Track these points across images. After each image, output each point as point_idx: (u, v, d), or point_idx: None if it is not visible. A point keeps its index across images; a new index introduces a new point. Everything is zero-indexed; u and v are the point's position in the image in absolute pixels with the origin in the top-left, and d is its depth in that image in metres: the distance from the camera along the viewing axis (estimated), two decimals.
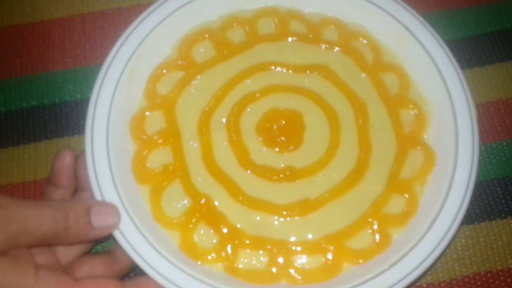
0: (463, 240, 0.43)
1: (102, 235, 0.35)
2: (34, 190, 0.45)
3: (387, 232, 0.38)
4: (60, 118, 0.48)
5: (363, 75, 0.43)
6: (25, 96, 0.49)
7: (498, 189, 0.45)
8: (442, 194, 0.38)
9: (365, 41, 0.44)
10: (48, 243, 0.34)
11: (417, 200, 0.39)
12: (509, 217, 0.44)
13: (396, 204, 0.39)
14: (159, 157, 0.40)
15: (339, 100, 0.42)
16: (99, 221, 0.34)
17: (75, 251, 0.37)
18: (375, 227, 0.38)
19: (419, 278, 0.36)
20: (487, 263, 0.42)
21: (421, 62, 0.42)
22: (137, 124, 0.40)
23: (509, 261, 0.43)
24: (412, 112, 0.41)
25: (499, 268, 0.42)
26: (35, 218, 0.31)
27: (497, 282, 0.42)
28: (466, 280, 0.42)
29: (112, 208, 0.36)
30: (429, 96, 0.42)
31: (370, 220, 0.38)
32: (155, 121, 0.41)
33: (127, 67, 0.40)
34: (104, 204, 0.36)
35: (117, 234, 0.36)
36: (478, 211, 0.43)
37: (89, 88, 0.48)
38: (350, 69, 0.43)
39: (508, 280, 0.42)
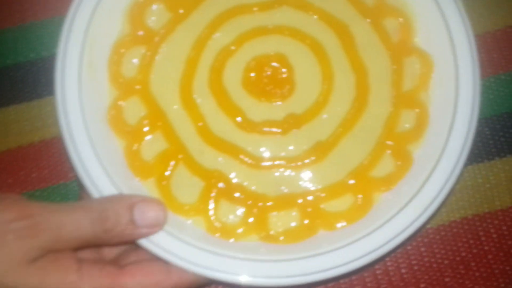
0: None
1: (149, 234, 0.33)
2: None
3: (406, 150, 0.37)
4: (15, 81, 0.45)
5: None
6: None
7: (486, 129, 0.44)
8: (451, 97, 0.37)
9: None
10: (90, 245, 0.33)
11: (426, 109, 0.38)
12: (496, 158, 0.43)
13: (407, 119, 0.38)
14: (153, 145, 0.37)
15: (319, 28, 0.40)
16: (144, 219, 0.33)
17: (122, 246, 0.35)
18: (394, 148, 0.38)
19: (451, 192, 0.36)
20: (474, 207, 0.43)
21: None
22: (115, 118, 0.37)
23: (497, 203, 0.43)
24: (398, 19, 0.40)
25: (486, 210, 0.42)
26: (70, 223, 0.31)
27: (484, 225, 0.42)
28: (453, 225, 0.42)
29: (157, 204, 0.34)
30: None
31: (387, 143, 0.38)
32: (135, 108, 0.38)
33: (83, 61, 0.37)
34: (148, 200, 0.34)
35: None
36: None
37: (43, 46, 0.46)
38: None
39: (495, 222, 0.42)
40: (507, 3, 0.47)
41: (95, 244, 0.33)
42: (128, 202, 0.33)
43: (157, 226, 0.33)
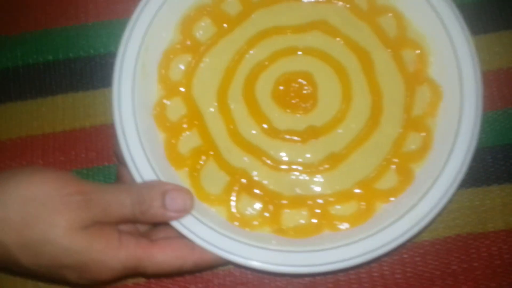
0: (449, 204, 0.46)
1: (177, 218, 0.38)
2: (53, 142, 0.49)
3: (409, 168, 0.42)
4: (75, 73, 0.50)
5: (361, 22, 0.45)
6: (41, 51, 0.51)
7: (488, 157, 0.47)
8: (454, 125, 0.41)
9: None
10: (129, 222, 0.38)
11: (432, 134, 0.42)
12: (495, 184, 0.47)
13: (413, 141, 0.42)
14: (189, 141, 0.42)
15: (343, 53, 0.44)
16: (173, 205, 0.37)
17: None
18: (398, 165, 0.42)
19: (444, 209, 0.40)
20: (469, 226, 0.46)
21: (414, 1, 0.44)
22: (159, 114, 0.42)
23: (490, 225, 0.46)
24: (415, 51, 0.44)
25: (479, 231, 0.46)
26: (115, 203, 0.36)
27: (476, 243, 0.45)
28: (448, 240, 0.46)
29: (186, 192, 0.39)
30: (427, 32, 0.44)
31: (393, 160, 0.42)
32: (177, 107, 0.43)
33: (138, 62, 0.42)
34: (179, 189, 0.38)
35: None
36: (466, 177, 0.45)
37: (102, 44, 0.51)
38: (347, 19, 0.45)
39: (487, 242, 0.46)
40: None
41: (133, 221, 0.38)
42: (161, 189, 0.38)
43: (184, 211, 0.38)
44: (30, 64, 0.51)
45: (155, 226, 0.40)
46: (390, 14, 0.44)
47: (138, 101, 0.41)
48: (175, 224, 0.38)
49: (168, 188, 0.38)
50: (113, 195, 0.36)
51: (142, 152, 0.40)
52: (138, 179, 0.39)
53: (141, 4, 0.43)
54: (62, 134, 0.49)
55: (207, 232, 0.39)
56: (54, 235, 0.34)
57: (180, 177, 0.42)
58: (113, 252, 0.36)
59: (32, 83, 0.50)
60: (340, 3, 0.45)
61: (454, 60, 0.42)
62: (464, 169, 0.40)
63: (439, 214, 0.40)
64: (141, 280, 0.45)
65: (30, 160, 0.48)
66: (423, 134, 0.42)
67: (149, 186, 0.38)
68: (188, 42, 0.44)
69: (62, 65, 0.51)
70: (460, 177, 0.40)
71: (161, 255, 0.37)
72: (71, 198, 0.35)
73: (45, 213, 0.34)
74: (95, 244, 0.35)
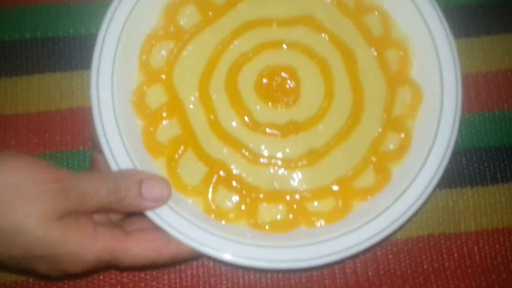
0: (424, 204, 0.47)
1: (153, 207, 0.38)
2: (27, 123, 0.48)
3: (387, 168, 0.42)
4: (53, 52, 0.49)
5: (347, 20, 0.44)
6: (18, 28, 0.50)
7: (463, 159, 0.48)
8: (433, 128, 0.41)
9: None
10: (104, 211, 0.37)
11: (410, 135, 0.42)
12: (468, 186, 0.48)
13: (392, 141, 0.43)
14: (168, 130, 0.42)
15: (328, 49, 0.44)
16: (150, 194, 0.37)
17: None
18: (376, 164, 0.42)
19: (420, 209, 0.41)
20: (442, 226, 0.47)
21: (400, 1, 0.44)
22: (139, 100, 0.42)
23: (462, 226, 0.47)
24: (398, 52, 0.44)
25: (452, 231, 0.47)
26: (91, 191, 0.35)
27: (448, 244, 0.47)
28: (420, 240, 0.47)
29: (163, 182, 0.38)
30: (411, 34, 0.44)
31: (371, 159, 0.42)
32: (157, 95, 0.42)
33: (119, 46, 0.41)
34: (155, 178, 0.38)
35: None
36: (441, 178, 0.46)
37: (82, 24, 0.50)
38: (333, 16, 0.44)
39: (458, 242, 0.47)
40: (501, 50, 0.51)
41: (107, 210, 0.37)
42: (138, 177, 0.37)
43: (161, 201, 0.38)
44: (5, 41, 0.49)
45: (129, 217, 0.40)
46: (376, 13, 0.44)
47: (117, 86, 0.41)
48: (150, 214, 0.38)
49: (144, 177, 0.37)
50: (88, 183, 0.35)
51: (119, 139, 0.39)
52: (113, 166, 0.39)
53: None
54: (36, 115, 0.48)
55: (182, 223, 0.38)
56: (28, 225, 0.33)
57: (157, 166, 0.41)
58: (88, 244, 0.35)
59: (7, 61, 0.49)
60: None
61: (436, 63, 0.42)
62: (441, 171, 0.41)
63: (414, 215, 0.41)
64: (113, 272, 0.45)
65: (2, 141, 0.47)
66: (402, 134, 0.42)
67: (125, 174, 0.37)
68: (172, 29, 0.43)
69: (40, 43, 0.49)
70: (436, 179, 0.40)
71: (137, 248, 0.36)
72: (47, 186, 0.33)
73: (19, 201, 0.33)
74: (70, 235, 0.34)
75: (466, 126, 0.49)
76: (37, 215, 0.33)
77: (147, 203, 0.37)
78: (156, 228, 0.38)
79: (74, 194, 0.34)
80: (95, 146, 0.41)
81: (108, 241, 0.36)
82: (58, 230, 0.34)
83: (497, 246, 0.47)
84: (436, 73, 0.42)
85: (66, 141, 0.48)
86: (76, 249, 0.34)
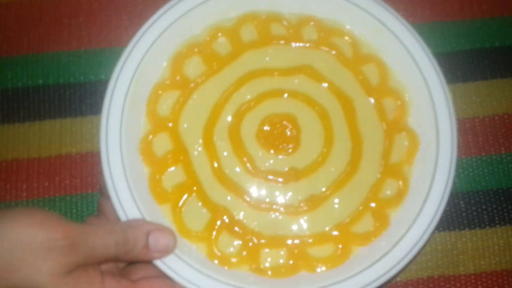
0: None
1: (159, 258, 0.39)
2: (38, 167, 0.50)
3: (385, 213, 0.43)
4: (64, 98, 0.51)
5: (345, 69, 0.46)
6: (31, 75, 0.52)
7: (461, 202, 0.49)
8: (429, 174, 0.42)
9: (345, 37, 0.47)
10: (111, 261, 0.39)
11: (408, 181, 0.44)
12: (466, 229, 0.49)
13: (390, 187, 0.44)
14: (173, 176, 0.43)
15: (327, 98, 0.46)
16: (157, 246, 0.38)
17: None
18: (375, 210, 0.43)
19: (418, 253, 0.42)
20: (441, 269, 0.48)
21: (396, 52, 0.45)
22: (146, 148, 0.43)
23: (461, 268, 0.48)
24: (396, 101, 0.45)
25: (451, 274, 0.48)
26: (100, 245, 0.37)
27: (447, 285, 0.48)
28: (420, 282, 0.47)
29: (169, 233, 0.39)
30: (407, 83, 0.46)
31: (370, 205, 0.43)
32: (163, 142, 0.44)
33: (128, 94, 0.43)
34: (161, 230, 0.39)
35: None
36: (439, 221, 0.47)
37: (92, 71, 0.52)
38: (332, 66, 0.46)
39: (457, 285, 0.48)
40: (498, 95, 0.52)
41: (115, 260, 0.39)
42: (145, 229, 0.39)
43: (167, 252, 0.39)
44: (19, 87, 0.52)
45: (135, 263, 0.41)
46: (373, 63, 0.46)
47: (125, 133, 0.42)
48: (156, 261, 0.39)
49: (151, 229, 0.39)
50: (97, 238, 0.37)
51: (126, 185, 0.41)
52: (120, 211, 0.40)
53: (136, 36, 0.44)
54: (47, 159, 0.50)
55: (186, 269, 0.39)
56: (39, 281, 0.34)
57: (162, 212, 0.42)
58: None
59: (20, 106, 0.51)
60: (327, 49, 0.46)
61: (431, 112, 0.44)
62: (438, 216, 0.42)
63: (413, 259, 0.41)
64: None
65: (14, 184, 0.49)
66: (400, 181, 0.44)
67: (133, 226, 0.39)
68: (178, 78, 0.45)
69: (51, 90, 0.51)
70: (433, 224, 0.42)
71: None
72: (56, 243, 0.35)
73: (31, 258, 0.34)
74: (81, 285, 0.36)
75: (464, 169, 0.50)
76: (47, 272, 0.34)
77: (153, 254, 0.39)
78: (161, 275, 0.39)
79: (83, 249, 0.36)
80: (102, 192, 0.42)
81: None
82: (67, 285, 0.35)
83: None
84: (432, 121, 0.44)
85: (76, 184, 0.49)
86: None
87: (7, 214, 0.36)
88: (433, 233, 0.47)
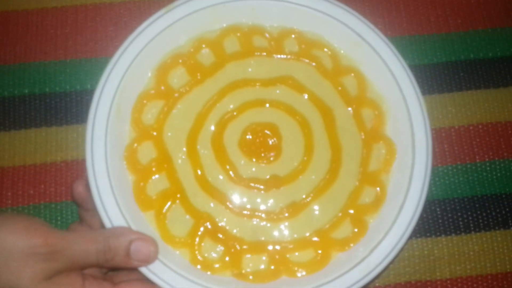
0: (400, 253, 0.49)
1: (141, 266, 0.40)
2: (23, 175, 0.50)
3: (363, 219, 0.44)
4: (50, 108, 0.52)
5: (325, 80, 0.48)
6: (18, 84, 0.53)
7: (438, 209, 0.51)
8: (405, 181, 0.44)
9: (325, 49, 0.48)
10: (93, 267, 0.39)
11: (385, 188, 0.45)
12: (443, 235, 0.50)
13: (368, 194, 0.45)
14: (157, 184, 0.44)
15: (308, 108, 0.47)
16: (138, 255, 0.39)
17: None
18: (353, 217, 0.44)
19: (395, 259, 0.43)
20: (418, 274, 0.49)
21: (374, 64, 0.47)
22: (130, 156, 0.44)
23: (437, 274, 0.49)
24: (374, 111, 0.47)
25: (427, 279, 0.49)
26: (80, 253, 0.37)
27: None
28: (398, 287, 0.49)
29: (151, 243, 0.40)
30: (385, 94, 0.47)
31: (349, 211, 0.45)
32: (147, 150, 0.45)
33: (113, 103, 0.44)
34: (144, 239, 0.40)
35: None
36: (416, 227, 0.48)
37: (78, 80, 0.53)
38: (313, 77, 0.48)
39: None
40: (473, 105, 0.54)
41: (96, 267, 0.40)
42: (128, 238, 0.39)
43: (148, 261, 0.40)
44: (5, 96, 0.52)
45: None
46: (352, 75, 0.48)
47: (110, 141, 0.43)
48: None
49: (134, 238, 0.39)
50: (78, 245, 0.37)
51: (111, 192, 0.42)
52: (104, 218, 0.41)
53: (122, 47, 0.45)
54: (33, 167, 0.51)
55: (169, 274, 0.40)
56: (20, 285, 0.36)
57: (146, 219, 0.43)
58: None
59: (6, 115, 0.52)
60: (307, 61, 0.48)
61: (408, 121, 0.45)
62: (414, 223, 0.43)
63: (390, 264, 0.43)
64: None
65: None
66: (377, 188, 0.45)
67: (115, 234, 0.39)
68: (163, 88, 0.46)
69: (37, 99, 0.52)
70: (409, 230, 0.43)
71: None
72: (37, 250, 0.36)
73: (12, 264, 0.35)
74: None
75: (440, 177, 0.52)
76: (28, 277, 0.36)
77: (134, 262, 0.39)
78: (143, 279, 0.40)
79: (63, 256, 0.37)
80: (79, 204, 0.43)
81: None
82: None
83: None
84: (408, 130, 0.45)
85: (61, 192, 0.50)
86: None
87: None
88: (410, 239, 0.49)
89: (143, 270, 0.40)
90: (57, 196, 0.50)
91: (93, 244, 0.38)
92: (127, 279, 0.40)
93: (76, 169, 0.51)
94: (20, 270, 0.36)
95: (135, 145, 0.45)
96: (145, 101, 0.46)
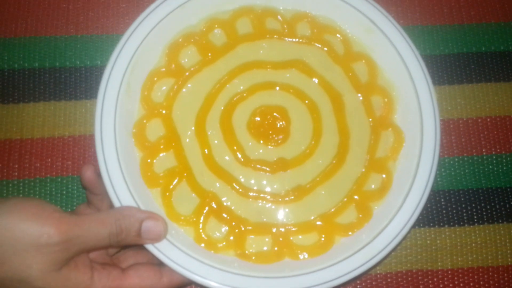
0: (403, 241, 0.50)
1: (151, 243, 0.40)
2: (30, 148, 0.50)
3: (368, 206, 0.44)
4: (59, 82, 0.52)
5: (336, 66, 0.48)
6: (28, 57, 0.53)
7: (442, 200, 0.51)
8: (412, 170, 0.44)
9: (337, 35, 0.48)
10: (103, 249, 0.40)
11: (391, 176, 0.45)
12: (446, 226, 0.50)
13: (374, 181, 0.45)
14: (165, 161, 0.44)
15: (317, 92, 0.47)
16: (149, 234, 0.39)
17: None
18: (358, 202, 0.45)
19: (397, 246, 0.43)
20: (420, 263, 0.50)
21: (386, 51, 0.47)
22: (139, 133, 0.44)
23: (439, 264, 0.50)
24: (383, 98, 0.47)
25: (429, 268, 0.49)
26: (93, 237, 0.37)
27: (425, 279, 0.49)
28: (399, 275, 0.49)
29: (161, 222, 0.40)
30: (395, 81, 0.47)
31: (354, 197, 0.45)
32: (156, 128, 0.45)
33: (123, 81, 0.44)
34: (154, 218, 0.40)
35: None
36: (420, 217, 0.49)
37: (88, 56, 0.53)
38: (324, 62, 0.48)
39: (435, 279, 0.49)
40: (482, 98, 0.54)
41: (108, 248, 0.40)
42: (138, 218, 0.39)
43: (158, 239, 0.40)
44: (15, 69, 0.52)
45: (125, 249, 0.42)
46: (363, 61, 0.48)
47: (119, 118, 0.43)
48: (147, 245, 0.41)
49: (144, 217, 0.40)
50: (91, 231, 0.37)
51: (118, 167, 0.42)
52: (111, 194, 0.41)
53: (134, 24, 0.45)
54: (40, 140, 0.51)
55: (174, 252, 0.41)
56: (29, 276, 0.35)
57: (153, 196, 0.44)
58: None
59: (15, 88, 0.52)
60: (319, 45, 0.48)
61: (417, 111, 0.45)
62: (418, 211, 0.43)
63: (392, 251, 0.43)
64: None
65: (6, 164, 0.50)
66: (384, 175, 0.45)
67: (125, 215, 0.39)
68: (173, 66, 0.46)
69: (47, 73, 0.52)
70: (413, 218, 0.43)
71: (132, 287, 0.39)
72: (50, 240, 0.35)
73: (22, 254, 0.35)
74: (69, 283, 0.36)
75: (446, 168, 0.52)
76: (38, 268, 0.35)
77: (145, 241, 0.40)
78: (150, 262, 0.41)
79: (76, 245, 0.36)
80: (88, 189, 0.43)
81: (105, 283, 0.38)
82: (57, 282, 0.36)
83: (471, 284, 0.49)
84: (417, 119, 0.45)
85: (67, 166, 0.50)
86: None
87: (1, 206, 0.36)
88: (413, 228, 0.49)
89: (150, 247, 0.40)
90: (63, 171, 0.50)
91: (105, 228, 0.38)
92: (134, 262, 0.41)
93: (83, 144, 0.51)
94: (31, 260, 0.35)
95: (144, 121, 0.45)
96: (155, 79, 0.46)
